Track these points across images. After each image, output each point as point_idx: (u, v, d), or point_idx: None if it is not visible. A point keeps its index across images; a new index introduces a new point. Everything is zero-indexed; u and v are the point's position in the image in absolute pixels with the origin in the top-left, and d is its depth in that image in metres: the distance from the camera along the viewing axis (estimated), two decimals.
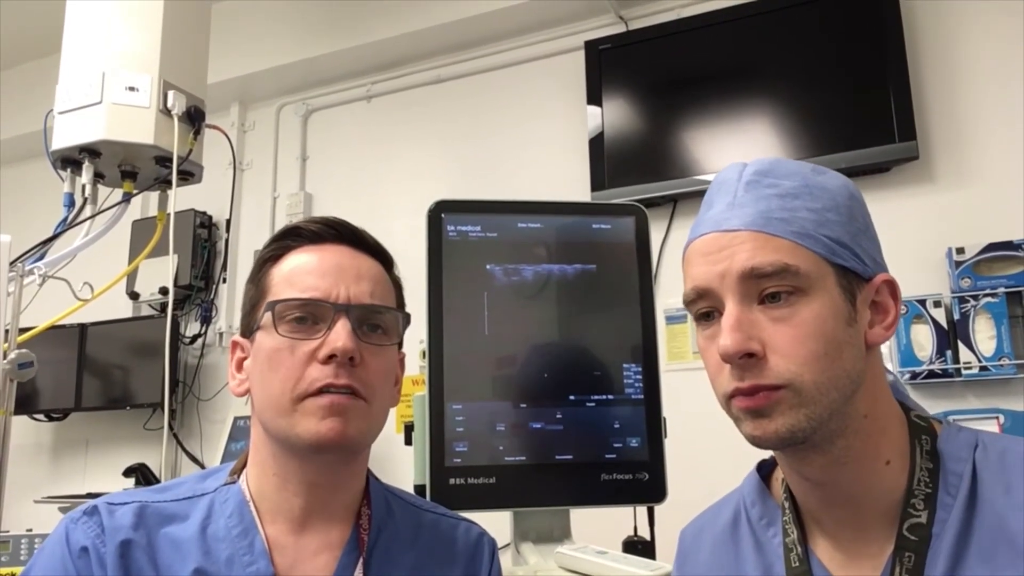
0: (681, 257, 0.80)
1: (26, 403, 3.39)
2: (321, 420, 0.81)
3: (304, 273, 0.86)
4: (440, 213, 1.24)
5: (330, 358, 0.82)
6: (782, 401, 0.69)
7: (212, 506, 0.86)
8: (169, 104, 1.96)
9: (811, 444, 0.71)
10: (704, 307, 0.74)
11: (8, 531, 1.62)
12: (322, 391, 0.81)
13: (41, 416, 3.57)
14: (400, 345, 0.94)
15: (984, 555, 0.66)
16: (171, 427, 3.36)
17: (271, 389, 0.84)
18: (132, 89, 1.94)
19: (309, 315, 0.84)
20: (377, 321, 0.87)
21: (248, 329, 0.89)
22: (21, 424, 3.54)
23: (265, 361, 0.85)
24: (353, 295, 0.85)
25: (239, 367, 0.90)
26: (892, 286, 0.76)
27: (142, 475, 3.28)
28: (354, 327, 0.84)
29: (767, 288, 0.70)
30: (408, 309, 0.98)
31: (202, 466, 3.32)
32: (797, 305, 0.70)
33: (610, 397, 1.22)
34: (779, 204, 0.72)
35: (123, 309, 3.50)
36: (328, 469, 0.87)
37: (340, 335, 0.82)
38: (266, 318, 0.85)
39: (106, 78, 1.91)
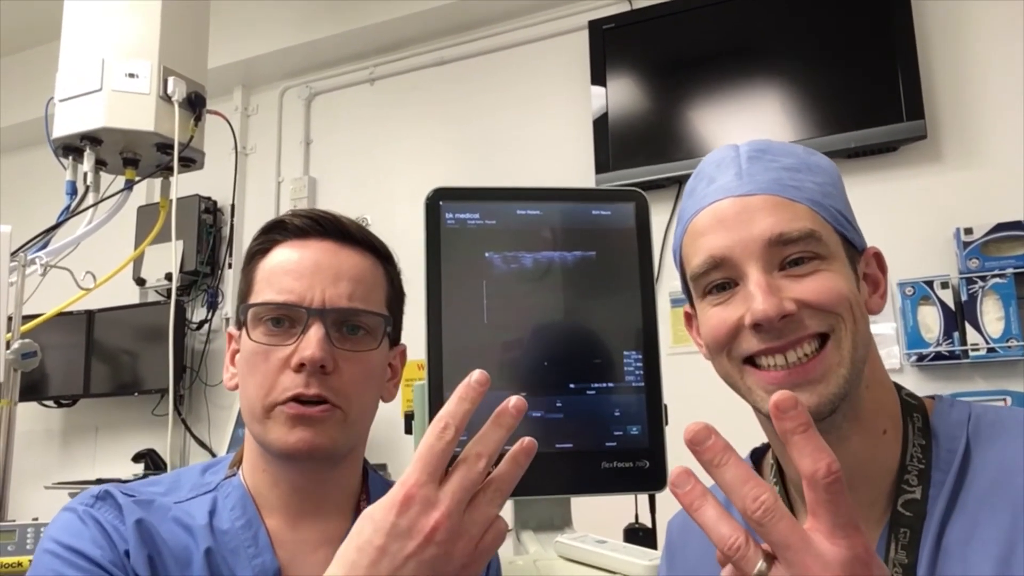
0: (679, 236, 0.79)
1: (35, 389, 3.41)
2: (290, 430, 0.80)
3: (282, 273, 0.84)
4: (438, 201, 1.23)
5: (301, 366, 0.80)
6: (827, 359, 0.68)
7: (216, 501, 0.86)
8: (169, 90, 1.95)
9: (829, 421, 0.70)
10: (719, 278, 0.72)
11: (14, 520, 1.63)
12: (292, 400, 0.80)
13: (50, 402, 3.60)
14: (396, 340, 0.92)
15: (969, 518, 0.66)
16: (179, 413, 3.38)
17: (248, 393, 0.83)
18: (132, 76, 1.93)
19: (284, 318, 0.82)
20: (356, 323, 0.85)
21: (238, 323, 0.88)
22: (31, 410, 3.57)
23: (244, 363, 0.84)
24: (329, 298, 0.83)
25: (232, 360, 0.90)
26: (879, 258, 0.78)
27: (151, 460, 3.31)
28: (329, 332, 0.81)
29: (791, 254, 0.70)
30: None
31: (211, 451, 3.34)
32: (819, 270, 0.70)
33: (610, 385, 1.20)
34: (787, 175, 0.73)
35: (130, 295, 3.51)
36: (312, 474, 0.86)
37: (310, 343, 0.80)
38: (244, 319, 0.85)
39: (106, 65, 1.91)
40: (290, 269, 0.84)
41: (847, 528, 0.49)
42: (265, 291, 0.84)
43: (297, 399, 0.80)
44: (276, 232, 0.88)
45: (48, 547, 0.78)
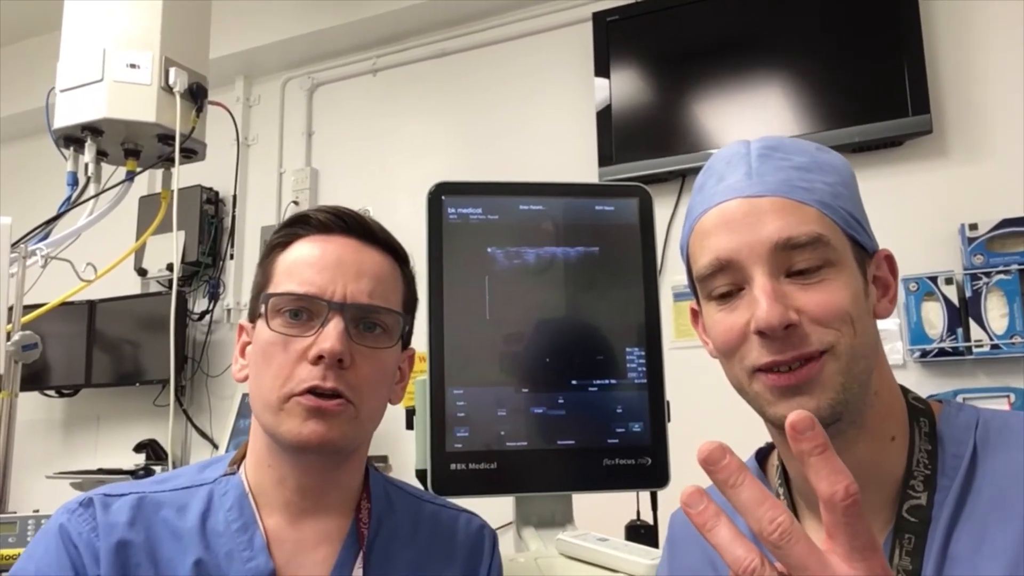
0: (686, 233, 0.78)
1: (36, 379, 3.41)
2: (304, 422, 0.80)
3: (305, 266, 0.84)
4: (440, 195, 1.22)
5: (319, 359, 0.80)
6: (824, 370, 0.67)
7: (211, 498, 0.85)
8: (171, 81, 1.94)
9: (835, 427, 0.69)
10: (724, 283, 0.71)
11: (15, 512, 1.63)
12: (308, 392, 0.80)
13: (52, 392, 3.60)
14: (406, 343, 0.92)
15: (977, 526, 0.65)
16: (180, 403, 3.38)
17: (262, 383, 0.83)
18: (133, 66, 1.92)
19: (304, 310, 0.83)
20: (375, 321, 0.85)
21: (252, 315, 0.88)
22: (33, 400, 3.57)
23: (259, 354, 0.84)
24: (350, 293, 0.83)
25: (243, 352, 0.90)
26: (891, 261, 0.77)
27: (152, 451, 3.31)
28: (348, 327, 0.82)
29: (798, 262, 0.69)
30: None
31: (212, 442, 3.34)
32: (827, 277, 0.69)
33: (612, 382, 1.20)
34: (798, 175, 0.71)
35: (132, 285, 3.50)
36: (318, 469, 0.86)
37: (330, 336, 0.80)
38: (263, 309, 0.84)
39: (107, 55, 1.89)
40: (312, 262, 0.84)
41: (865, 551, 0.49)
42: (286, 282, 0.84)
43: (314, 391, 0.80)
44: (299, 226, 0.88)
45: (18, 570, 0.80)
